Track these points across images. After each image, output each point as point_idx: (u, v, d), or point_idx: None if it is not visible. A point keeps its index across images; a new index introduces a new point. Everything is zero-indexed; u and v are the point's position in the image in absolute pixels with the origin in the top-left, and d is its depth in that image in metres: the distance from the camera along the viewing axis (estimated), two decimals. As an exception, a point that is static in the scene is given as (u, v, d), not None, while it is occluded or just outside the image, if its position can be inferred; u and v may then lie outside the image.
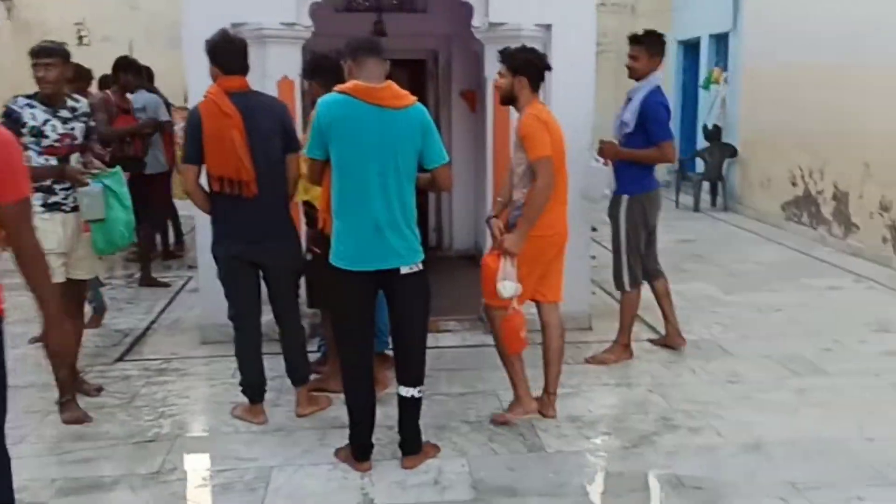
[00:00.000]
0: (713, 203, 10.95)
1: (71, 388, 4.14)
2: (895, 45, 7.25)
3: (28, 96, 4.02)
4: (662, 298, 5.14)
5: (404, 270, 3.45)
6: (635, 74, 4.83)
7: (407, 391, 3.60)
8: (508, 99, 4.03)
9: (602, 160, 4.80)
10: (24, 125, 3.89)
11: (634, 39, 4.86)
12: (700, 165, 10.97)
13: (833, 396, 4.40)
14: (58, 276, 3.81)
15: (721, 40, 11.22)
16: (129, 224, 4.14)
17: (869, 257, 7.67)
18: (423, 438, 3.75)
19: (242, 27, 5.08)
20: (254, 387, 4.08)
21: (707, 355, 5.08)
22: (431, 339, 5.03)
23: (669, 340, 5.18)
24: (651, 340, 5.29)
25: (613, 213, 4.90)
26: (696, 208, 10.66)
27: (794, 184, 9.23)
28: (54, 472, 3.56)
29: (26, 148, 3.84)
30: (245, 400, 4.11)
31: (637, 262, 4.91)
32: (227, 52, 3.89)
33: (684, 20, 12.35)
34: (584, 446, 3.84)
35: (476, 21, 5.36)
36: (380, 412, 3.72)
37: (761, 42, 9.91)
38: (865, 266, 7.45)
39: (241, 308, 4.01)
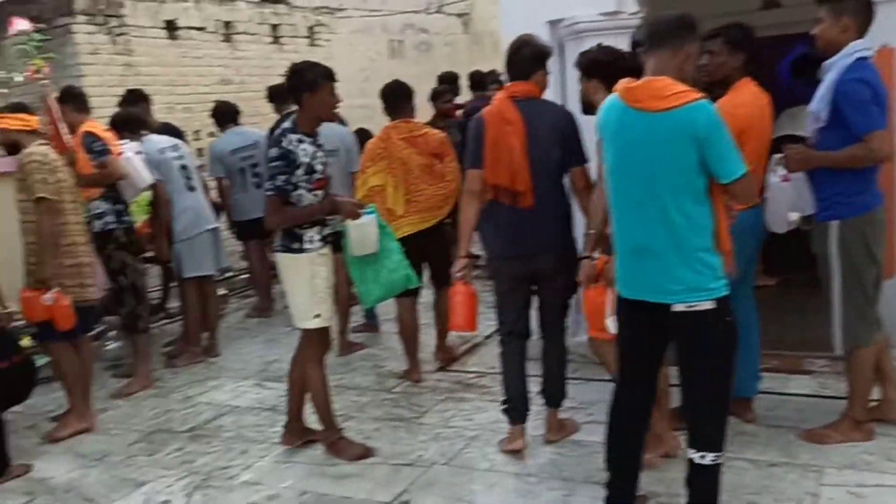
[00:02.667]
0: None
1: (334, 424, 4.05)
2: None
3: (293, 129, 3.73)
4: (881, 354, 3.59)
5: (678, 309, 2.76)
6: (826, 43, 3.41)
7: (693, 454, 2.84)
8: (587, 105, 3.53)
9: (783, 174, 3.41)
10: (299, 165, 3.67)
11: None
12: None
13: None
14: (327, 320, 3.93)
15: None
16: (404, 266, 4.04)
17: None
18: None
19: (559, 24, 4.74)
20: (514, 400, 3.87)
21: None
22: (779, 383, 4.19)
23: (887, 410, 3.73)
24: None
25: (822, 249, 3.48)
26: None
27: None
28: (311, 485, 3.71)
29: (296, 187, 3.69)
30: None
31: (870, 304, 3.46)
32: (513, 57, 3.76)
33: None
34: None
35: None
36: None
37: None
38: None
39: (509, 322, 3.85)
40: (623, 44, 4.66)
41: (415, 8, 11.61)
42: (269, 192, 3.72)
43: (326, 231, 3.85)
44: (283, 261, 3.85)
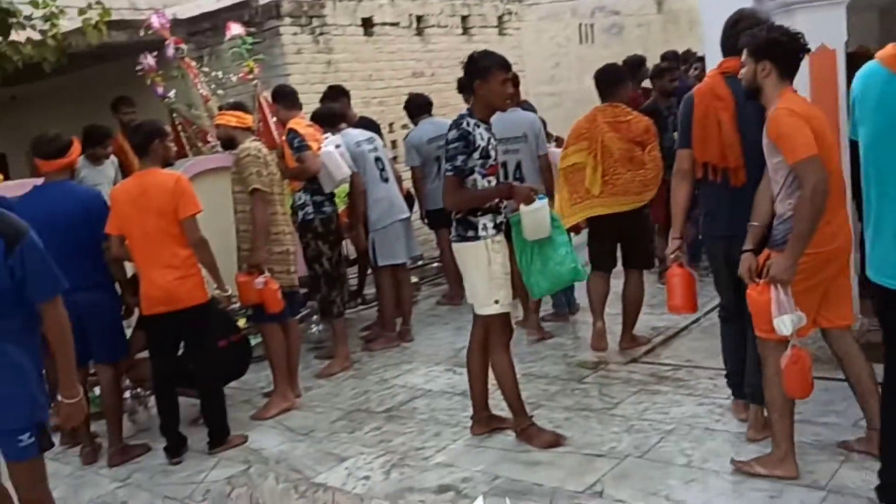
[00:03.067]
0: None
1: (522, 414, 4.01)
2: None
3: (470, 114, 3.84)
4: None
5: None
6: None
7: None
8: (753, 90, 3.25)
9: None
10: (476, 148, 3.77)
11: None
12: None
13: None
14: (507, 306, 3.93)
15: None
16: (572, 259, 3.96)
17: None
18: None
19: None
20: (732, 376, 3.87)
21: None
22: None
23: None
24: None
25: None
26: None
27: None
28: (503, 470, 3.74)
29: (471, 172, 3.77)
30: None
31: None
32: (728, 32, 3.68)
33: None
34: None
35: None
36: None
37: None
38: None
39: (724, 300, 3.84)
40: (839, 18, 4.34)
41: (606, -10, 11.39)
42: (448, 173, 3.81)
43: (500, 219, 3.89)
44: (460, 249, 3.94)
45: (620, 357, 5.04)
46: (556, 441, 3.90)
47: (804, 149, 2.97)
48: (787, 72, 3.18)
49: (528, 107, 6.15)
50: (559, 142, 6.25)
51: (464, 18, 9.24)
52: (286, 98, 5.57)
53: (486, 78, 3.79)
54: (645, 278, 5.19)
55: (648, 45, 10.62)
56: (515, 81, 5.49)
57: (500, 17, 9.64)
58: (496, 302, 3.88)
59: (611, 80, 5.02)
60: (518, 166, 5.46)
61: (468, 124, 3.78)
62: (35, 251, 2.74)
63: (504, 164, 5.38)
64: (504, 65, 3.86)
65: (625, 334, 5.17)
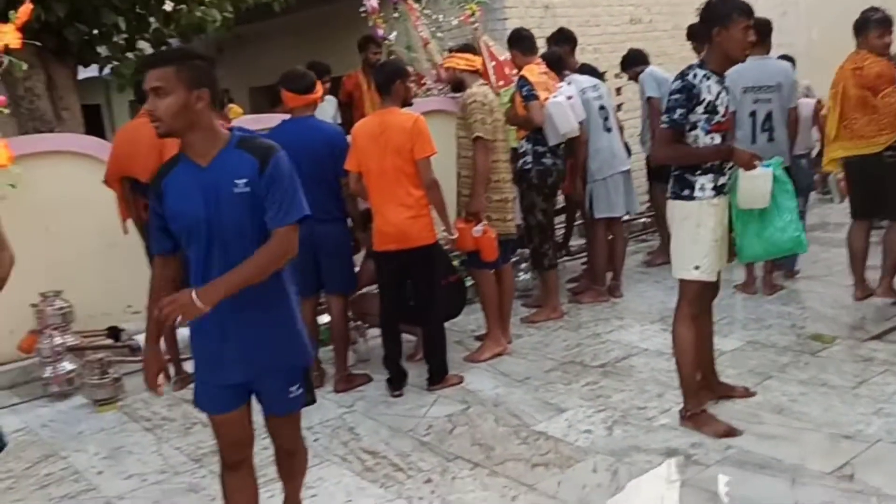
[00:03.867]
0: None
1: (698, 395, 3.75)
2: None
3: (701, 65, 3.51)
4: None
5: None
6: None
7: None
8: None
9: None
10: (701, 102, 3.45)
11: None
12: None
13: None
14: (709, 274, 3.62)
15: None
16: (795, 227, 3.60)
17: None
18: None
19: None
20: None
21: None
22: None
23: None
24: None
25: None
26: None
27: None
28: (735, 440, 3.55)
29: (693, 127, 3.48)
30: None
31: None
32: None
33: None
34: None
35: None
36: None
37: None
38: None
39: None
40: None
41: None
42: (663, 124, 3.56)
43: (722, 180, 3.56)
44: (671, 207, 3.67)
45: (860, 333, 4.66)
46: (730, 431, 3.60)
47: None
48: None
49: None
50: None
51: (687, -38, 8.72)
52: (522, 42, 5.43)
53: (727, 25, 3.45)
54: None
55: (893, -8, 9.55)
56: (765, 29, 5.14)
57: (725, -39, 9.02)
58: (696, 268, 3.58)
59: (856, 28, 5.08)
60: (768, 117, 5.22)
61: (695, 76, 3.46)
62: (283, 168, 2.46)
63: (753, 114, 5.19)
64: (746, 11, 3.48)
65: (883, 280, 5.10)
